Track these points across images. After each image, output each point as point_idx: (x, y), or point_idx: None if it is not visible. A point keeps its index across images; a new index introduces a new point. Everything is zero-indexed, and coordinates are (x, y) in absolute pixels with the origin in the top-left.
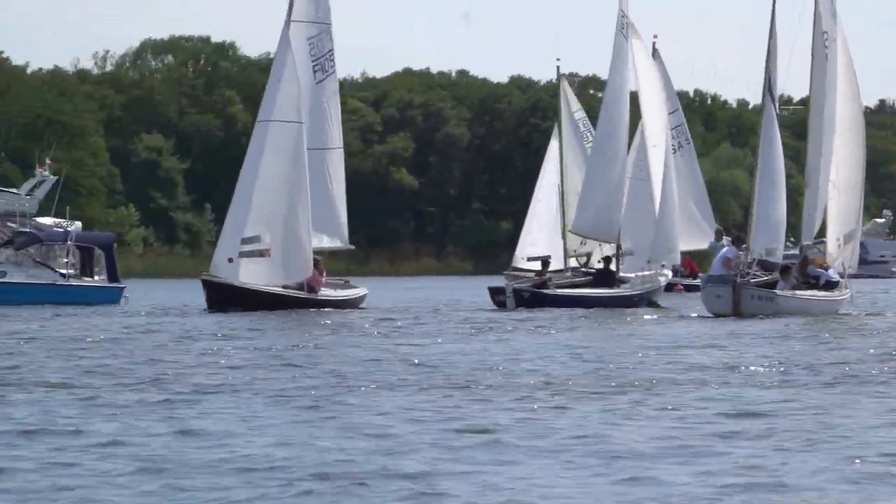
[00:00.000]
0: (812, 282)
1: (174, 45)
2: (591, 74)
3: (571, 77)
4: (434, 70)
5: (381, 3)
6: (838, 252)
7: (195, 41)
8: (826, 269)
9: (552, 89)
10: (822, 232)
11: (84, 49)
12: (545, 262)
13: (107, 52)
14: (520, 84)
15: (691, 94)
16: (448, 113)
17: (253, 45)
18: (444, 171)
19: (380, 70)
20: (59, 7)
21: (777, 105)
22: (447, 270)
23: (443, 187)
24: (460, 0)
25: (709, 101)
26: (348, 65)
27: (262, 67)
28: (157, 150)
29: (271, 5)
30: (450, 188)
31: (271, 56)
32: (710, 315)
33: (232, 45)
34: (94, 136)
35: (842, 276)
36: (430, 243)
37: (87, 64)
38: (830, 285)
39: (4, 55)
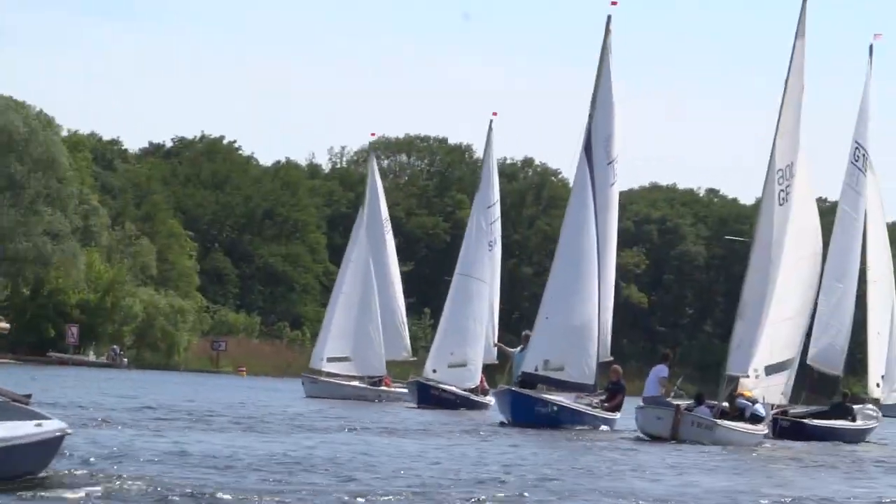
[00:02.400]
0: (736, 413)
1: (409, 145)
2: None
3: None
4: (681, 186)
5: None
6: (755, 383)
7: (431, 141)
8: (754, 402)
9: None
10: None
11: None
12: None
13: (343, 147)
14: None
15: None
16: (686, 230)
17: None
18: (677, 289)
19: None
20: (299, 103)
21: None
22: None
23: (676, 307)
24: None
25: None
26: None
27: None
28: None
29: (509, 107)
30: (684, 307)
31: (508, 161)
32: (645, 437)
33: (469, 148)
34: (314, 232)
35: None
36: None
37: (322, 159)
38: (755, 419)
39: (237, 144)
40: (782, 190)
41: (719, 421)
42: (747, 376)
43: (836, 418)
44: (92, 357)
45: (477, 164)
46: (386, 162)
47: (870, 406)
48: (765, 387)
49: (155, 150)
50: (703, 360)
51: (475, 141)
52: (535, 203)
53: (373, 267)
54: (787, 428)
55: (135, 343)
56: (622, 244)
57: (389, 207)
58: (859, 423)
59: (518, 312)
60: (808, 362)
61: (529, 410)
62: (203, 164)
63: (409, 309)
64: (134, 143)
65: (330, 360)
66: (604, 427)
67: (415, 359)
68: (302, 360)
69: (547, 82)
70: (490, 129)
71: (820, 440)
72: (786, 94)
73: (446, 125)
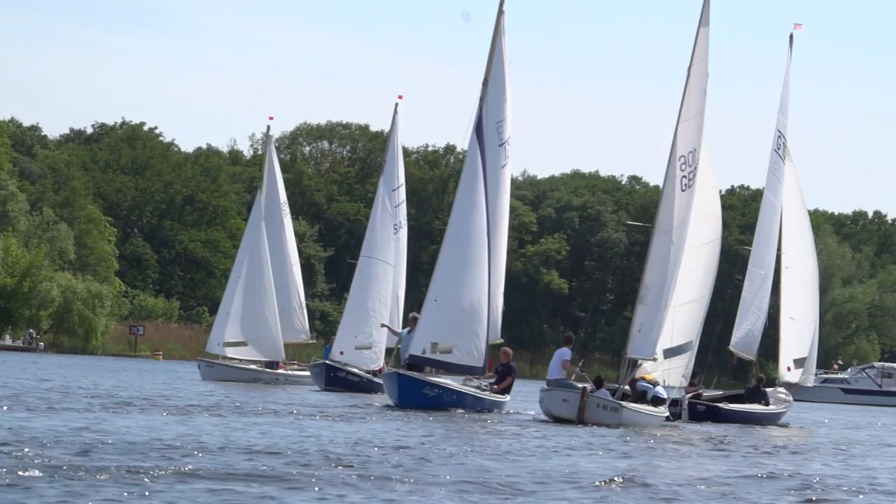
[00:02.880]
0: (638, 396)
1: (331, 132)
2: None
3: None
4: (604, 174)
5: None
6: (654, 366)
7: (353, 128)
8: (655, 384)
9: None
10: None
11: (240, 131)
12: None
13: (264, 133)
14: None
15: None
16: (607, 217)
17: (412, 136)
18: (597, 275)
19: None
20: (224, 90)
21: None
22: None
23: (596, 293)
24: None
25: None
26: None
27: (419, 159)
28: (300, 235)
29: (429, 97)
30: (605, 293)
31: (430, 148)
32: (548, 419)
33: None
34: (235, 218)
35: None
36: (579, 349)
37: (244, 146)
38: (657, 401)
39: (157, 131)
40: (685, 176)
41: (624, 403)
42: (654, 359)
43: (751, 402)
44: (8, 341)
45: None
46: (308, 148)
47: (781, 390)
48: (664, 370)
49: (75, 136)
50: (622, 345)
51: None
52: (456, 189)
53: (269, 251)
54: (702, 412)
55: (52, 327)
56: (543, 231)
57: (311, 194)
58: (772, 408)
59: None
60: (730, 348)
61: (416, 393)
62: (123, 150)
63: (331, 294)
64: (54, 129)
65: (227, 344)
66: (493, 409)
67: (314, 341)
68: None
69: (470, 69)
70: (395, 112)
71: (734, 423)
72: (689, 81)
73: (367, 112)
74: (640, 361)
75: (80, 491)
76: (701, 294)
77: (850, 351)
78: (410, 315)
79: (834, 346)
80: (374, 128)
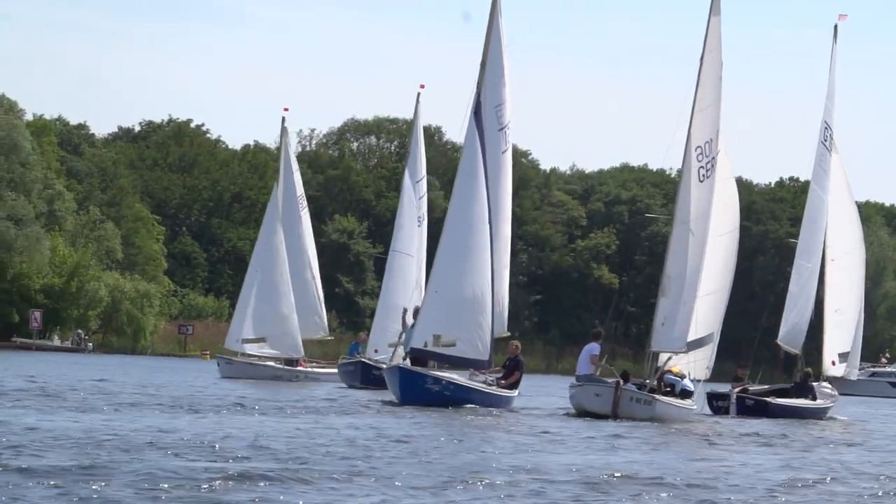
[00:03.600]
0: (668, 389)
1: (378, 127)
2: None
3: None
4: (653, 167)
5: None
6: (677, 358)
7: (400, 123)
8: (682, 377)
9: (769, 192)
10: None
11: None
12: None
13: (312, 130)
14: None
15: None
16: (657, 210)
17: (457, 130)
18: (649, 270)
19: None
20: (268, 85)
21: None
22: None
23: (647, 287)
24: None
25: None
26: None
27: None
28: (348, 232)
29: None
30: (655, 288)
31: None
32: (579, 415)
33: (438, 130)
34: None
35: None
36: (633, 344)
37: (292, 142)
38: (686, 393)
39: (205, 128)
40: (702, 167)
41: (657, 397)
42: (685, 351)
43: (797, 397)
44: (56, 342)
45: (446, 146)
46: (356, 144)
47: (825, 384)
48: (687, 362)
49: (123, 134)
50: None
51: (444, 123)
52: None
53: (286, 246)
54: (750, 406)
55: (101, 327)
56: (593, 226)
57: (359, 190)
58: (819, 402)
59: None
60: (778, 342)
61: (420, 388)
62: (170, 148)
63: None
64: (102, 127)
65: (245, 341)
66: (500, 405)
67: (332, 338)
68: None
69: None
70: (417, 101)
71: (782, 418)
72: (702, 71)
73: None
74: (669, 355)
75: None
76: (720, 285)
77: None
78: (415, 307)
79: (888, 339)
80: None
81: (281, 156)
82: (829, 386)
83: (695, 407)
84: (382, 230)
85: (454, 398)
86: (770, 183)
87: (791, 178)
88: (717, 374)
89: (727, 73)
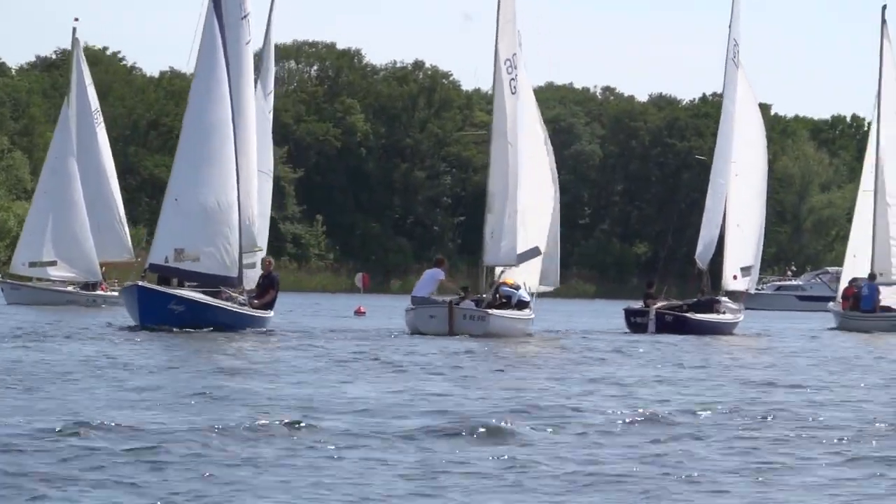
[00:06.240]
0: (504, 301)
1: (297, 51)
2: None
3: None
4: (578, 86)
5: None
6: (510, 271)
7: (319, 47)
8: (517, 288)
9: (693, 109)
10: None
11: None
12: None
13: None
14: (660, 103)
15: None
16: (580, 129)
17: (380, 53)
18: (573, 189)
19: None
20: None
21: None
22: (568, 293)
23: (571, 206)
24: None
25: None
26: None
27: (388, 76)
28: None
29: (400, 13)
30: (581, 207)
31: (398, 65)
32: (416, 335)
33: (358, 53)
34: None
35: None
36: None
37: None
38: (522, 304)
39: (121, 55)
40: (512, 79)
41: (490, 311)
42: (515, 265)
43: (705, 312)
44: None
45: (366, 69)
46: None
47: (726, 299)
48: (523, 273)
49: (40, 63)
50: (603, 259)
51: (364, 45)
52: (427, 107)
53: (79, 163)
54: (669, 322)
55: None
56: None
57: (279, 114)
58: (729, 317)
59: (413, 217)
60: (696, 258)
61: (161, 309)
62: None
63: (302, 216)
64: (20, 57)
65: (32, 264)
66: (254, 326)
67: (138, 260)
68: None
69: None
70: (272, 8)
71: (702, 334)
72: None
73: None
74: (502, 269)
75: None
76: (545, 198)
77: (831, 258)
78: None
79: (814, 252)
80: (340, 46)
81: (73, 69)
82: (731, 300)
83: (532, 316)
84: (303, 154)
85: (199, 319)
86: (694, 99)
87: (714, 94)
88: (634, 291)
89: None
